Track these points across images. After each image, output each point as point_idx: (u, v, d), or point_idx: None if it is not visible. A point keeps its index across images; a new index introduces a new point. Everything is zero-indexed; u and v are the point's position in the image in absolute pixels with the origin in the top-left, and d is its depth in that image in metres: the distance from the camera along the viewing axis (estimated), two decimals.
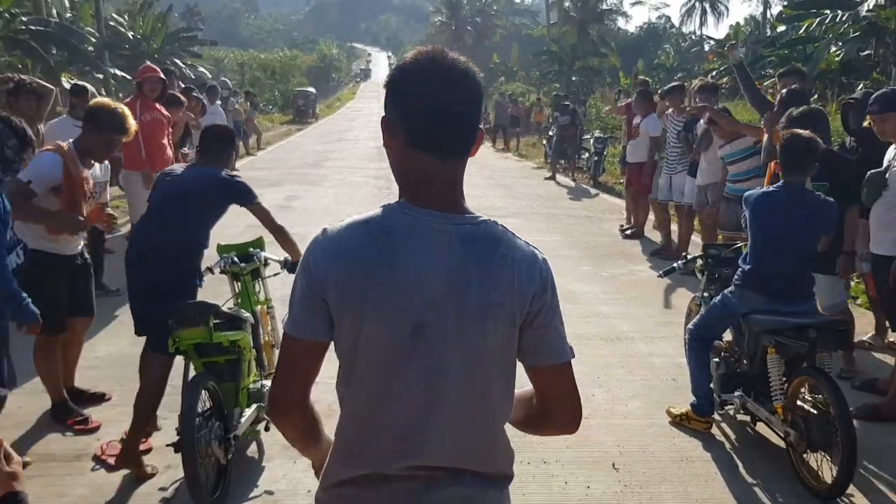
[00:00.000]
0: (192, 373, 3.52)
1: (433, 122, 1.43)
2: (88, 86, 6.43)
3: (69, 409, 4.19)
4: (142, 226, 3.93)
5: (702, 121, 7.21)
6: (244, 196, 3.80)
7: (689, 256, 4.76)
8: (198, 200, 3.73)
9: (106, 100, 4.34)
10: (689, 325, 4.35)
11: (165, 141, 6.82)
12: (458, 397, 1.44)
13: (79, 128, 6.41)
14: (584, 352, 5.51)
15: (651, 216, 9.49)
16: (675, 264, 4.66)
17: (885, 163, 4.51)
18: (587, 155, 15.89)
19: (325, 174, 15.92)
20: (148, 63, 8.01)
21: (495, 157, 20.92)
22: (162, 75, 6.83)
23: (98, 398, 4.47)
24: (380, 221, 1.45)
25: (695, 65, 51.72)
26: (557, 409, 1.56)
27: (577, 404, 1.56)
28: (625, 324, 6.09)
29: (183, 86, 10.09)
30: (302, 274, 1.46)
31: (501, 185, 14.60)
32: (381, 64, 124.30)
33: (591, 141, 15.57)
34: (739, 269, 4.05)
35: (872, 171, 4.53)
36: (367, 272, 1.41)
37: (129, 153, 6.27)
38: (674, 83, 9.19)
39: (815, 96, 17.65)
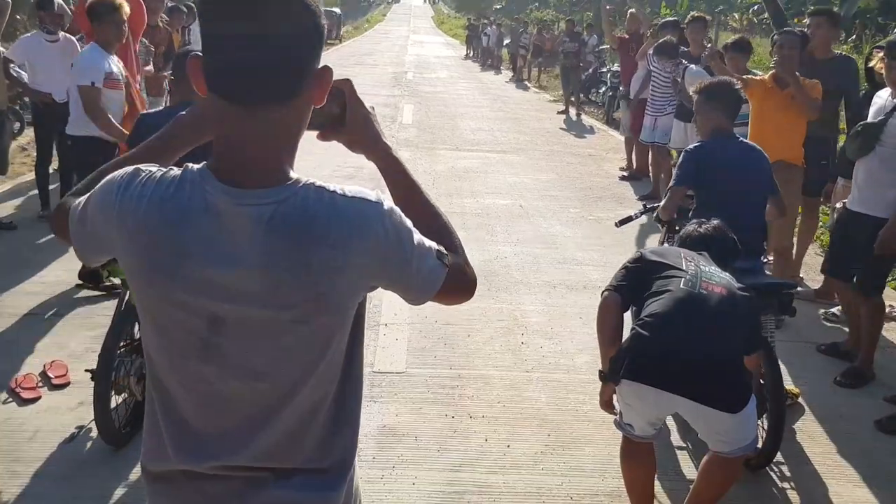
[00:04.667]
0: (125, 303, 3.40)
1: (227, 56, 1.11)
2: None
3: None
4: None
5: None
6: None
7: (647, 206, 4.51)
8: None
9: None
10: None
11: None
12: (277, 391, 1.24)
13: (50, 42, 6.25)
14: (545, 300, 5.36)
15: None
16: (632, 213, 4.39)
17: (873, 115, 4.18)
18: (603, 89, 15.33)
19: None
20: None
21: (514, 88, 20.30)
22: None
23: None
24: (176, 199, 1.17)
25: None
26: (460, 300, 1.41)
27: (471, 280, 1.38)
28: (596, 272, 5.87)
29: None
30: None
31: (511, 119, 14.17)
32: None
33: (608, 75, 14.97)
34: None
35: (866, 122, 4.20)
36: (154, 259, 1.18)
37: None
38: (669, 18, 8.65)
39: (853, 36, 16.78)
